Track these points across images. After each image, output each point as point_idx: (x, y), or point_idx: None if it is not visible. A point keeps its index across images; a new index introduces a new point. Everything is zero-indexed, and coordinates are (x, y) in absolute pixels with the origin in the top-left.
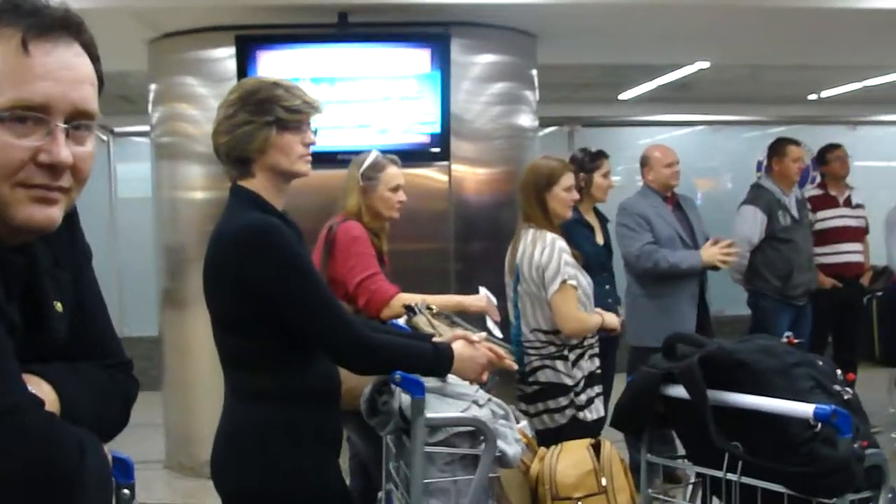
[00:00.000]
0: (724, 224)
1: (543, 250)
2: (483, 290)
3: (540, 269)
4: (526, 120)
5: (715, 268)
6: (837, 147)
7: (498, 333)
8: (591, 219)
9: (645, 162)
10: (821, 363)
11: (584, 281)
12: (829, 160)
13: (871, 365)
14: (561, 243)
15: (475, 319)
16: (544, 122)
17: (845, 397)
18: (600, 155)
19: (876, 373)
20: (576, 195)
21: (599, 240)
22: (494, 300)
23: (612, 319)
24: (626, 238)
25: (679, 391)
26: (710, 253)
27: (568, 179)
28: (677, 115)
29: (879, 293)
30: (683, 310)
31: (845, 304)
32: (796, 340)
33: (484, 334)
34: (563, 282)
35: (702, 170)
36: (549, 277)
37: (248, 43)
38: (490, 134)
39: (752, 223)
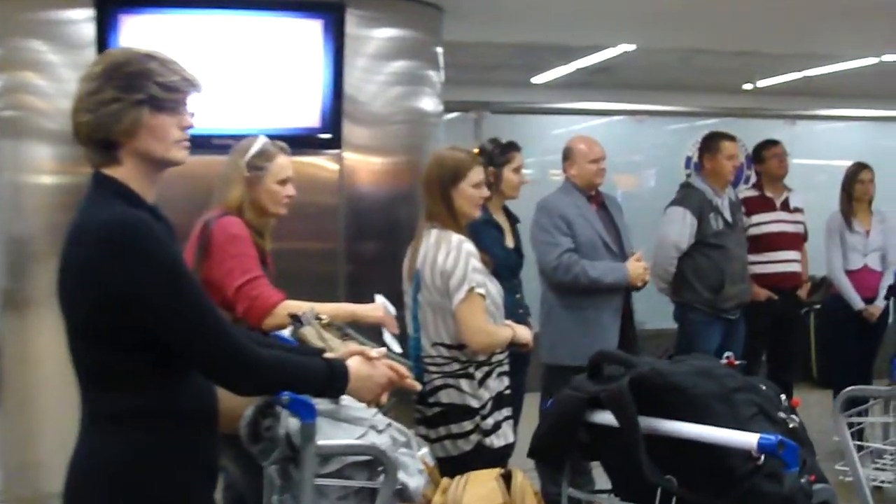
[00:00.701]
0: (647, 227)
1: (448, 254)
2: (379, 299)
3: (444, 276)
4: (429, 103)
5: (636, 288)
6: (775, 144)
7: (396, 348)
8: (501, 218)
9: (568, 155)
10: (764, 387)
11: (494, 289)
12: (766, 158)
13: (809, 386)
14: (468, 246)
15: (370, 332)
16: (449, 107)
17: (790, 426)
18: (511, 146)
19: (813, 395)
20: (485, 192)
21: (509, 242)
22: (392, 310)
23: (523, 333)
24: (543, 244)
25: (606, 418)
26: (636, 268)
27: (477, 174)
28: (597, 103)
29: (817, 306)
30: (605, 323)
31: (781, 319)
32: (737, 362)
33: (383, 350)
34: (470, 290)
35: (623, 165)
36: (454, 285)
37: (110, 4)
38: (388, 118)
39: (681, 226)
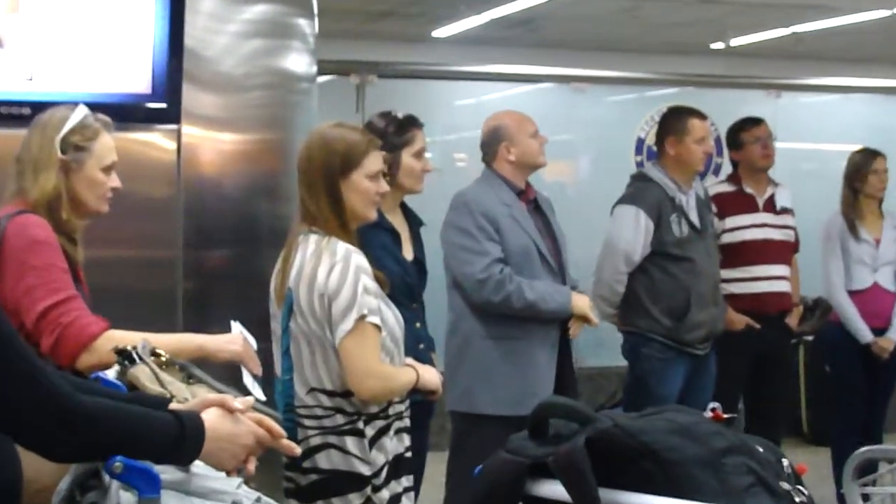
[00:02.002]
0: (583, 233)
1: (332, 269)
2: (236, 327)
3: (325, 298)
4: (298, 62)
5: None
6: (757, 123)
7: (259, 394)
8: (397, 220)
9: (495, 136)
10: (761, 449)
11: (392, 318)
12: (746, 143)
13: (798, 442)
14: (359, 259)
15: (225, 372)
16: (324, 68)
17: (797, 500)
18: (411, 123)
19: (803, 454)
20: (384, 185)
21: (408, 253)
22: (254, 342)
23: (430, 376)
24: (464, 251)
25: (555, 490)
26: (584, 301)
27: (375, 162)
28: (518, 66)
29: (811, 337)
30: (540, 361)
31: (764, 355)
32: (726, 416)
33: (250, 399)
34: (361, 318)
35: (552, 148)
36: (339, 311)
37: None
38: (242, 82)
39: (633, 232)
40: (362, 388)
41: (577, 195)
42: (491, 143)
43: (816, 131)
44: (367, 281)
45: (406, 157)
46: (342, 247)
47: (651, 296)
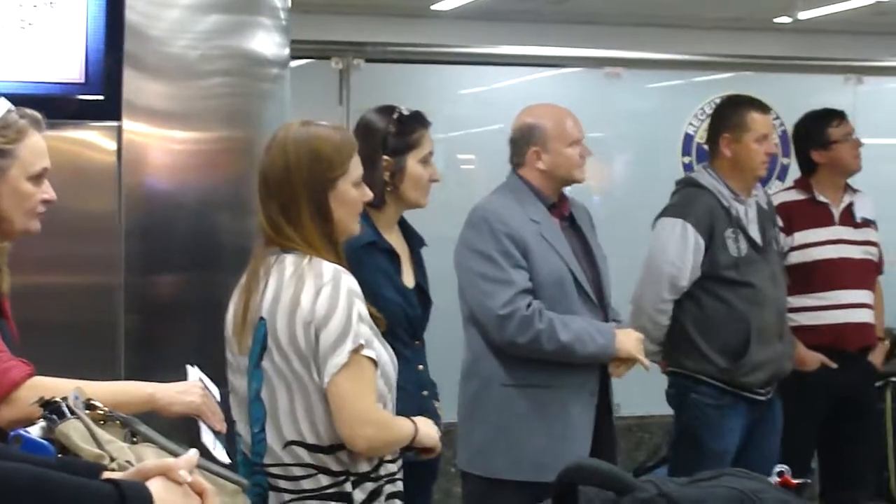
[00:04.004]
0: (621, 253)
1: (319, 292)
2: (194, 373)
3: (312, 328)
4: (267, 43)
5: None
6: (841, 117)
7: (223, 457)
8: (395, 239)
9: (529, 136)
10: None
11: (386, 355)
12: (836, 139)
13: None
14: (351, 281)
15: (180, 428)
16: (299, 51)
17: None
18: (418, 122)
19: None
20: (368, 193)
21: (409, 279)
22: (216, 392)
23: (429, 430)
24: (483, 280)
25: None
26: (628, 340)
27: (358, 165)
28: (536, 46)
29: None
30: (574, 416)
31: (843, 401)
32: (797, 481)
33: (192, 456)
34: (357, 350)
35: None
36: (331, 342)
37: None
38: (198, 67)
39: (680, 251)
40: (357, 437)
41: (610, 205)
42: (520, 144)
43: None
44: (361, 307)
45: (411, 164)
46: (329, 267)
47: (702, 329)
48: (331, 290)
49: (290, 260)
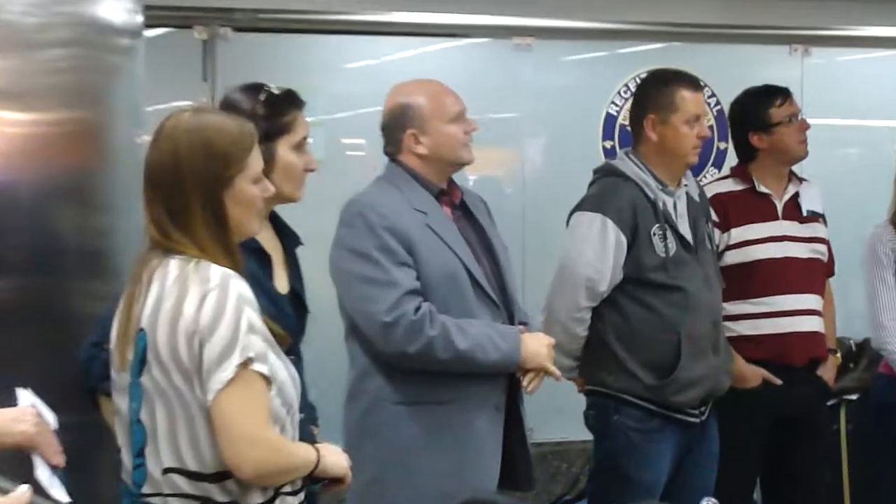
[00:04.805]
0: (537, 248)
1: (204, 299)
2: (27, 398)
3: (196, 339)
4: (115, 10)
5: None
6: (785, 95)
7: (62, 496)
8: (266, 238)
9: (403, 118)
10: None
11: (285, 373)
12: (778, 122)
13: None
14: (241, 287)
15: (12, 461)
16: (155, 18)
17: None
18: (290, 103)
19: None
20: (270, 188)
21: (282, 284)
22: (53, 420)
23: (336, 459)
24: (363, 283)
25: None
26: (535, 344)
27: (258, 159)
28: (435, 14)
29: (853, 396)
30: (478, 433)
31: (789, 422)
32: None
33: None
34: (245, 364)
35: (485, 131)
36: (216, 355)
37: None
38: (33, 37)
39: (598, 249)
40: (244, 461)
41: (521, 197)
42: (393, 129)
43: (860, 103)
44: (253, 316)
45: (283, 151)
46: (217, 270)
47: (625, 341)
48: (217, 296)
49: (174, 264)
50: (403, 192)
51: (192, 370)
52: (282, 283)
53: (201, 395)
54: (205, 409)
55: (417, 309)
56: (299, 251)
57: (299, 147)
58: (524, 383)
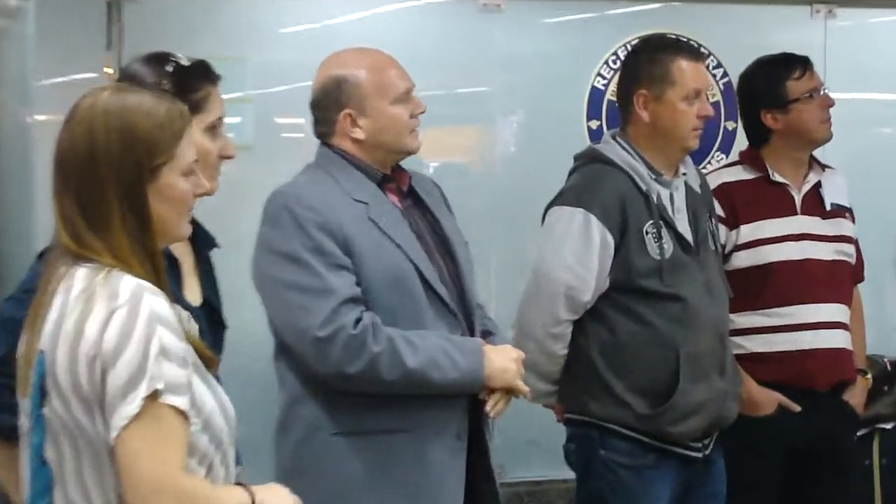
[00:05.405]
0: (509, 247)
1: (110, 318)
2: None
3: (98, 364)
4: None
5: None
6: (805, 66)
7: None
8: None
9: (336, 95)
10: None
11: (213, 402)
12: (796, 97)
13: None
14: (156, 303)
15: None
16: None
17: None
18: (202, 76)
19: None
20: (205, 184)
21: (193, 294)
22: None
23: (279, 500)
24: (290, 291)
25: None
26: (505, 358)
27: (189, 148)
28: None
29: (888, 424)
30: (436, 467)
31: (809, 456)
32: None
33: None
34: (152, 396)
35: (448, 109)
36: (120, 385)
37: None
38: None
39: (580, 251)
40: None
41: (491, 187)
42: (326, 108)
43: (894, 74)
44: (168, 337)
45: (195, 135)
46: (129, 283)
47: (612, 361)
48: (126, 314)
49: (81, 274)
50: (338, 181)
51: (94, 401)
52: (193, 294)
53: (104, 431)
54: (109, 445)
55: (358, 321)
56: (215, 255)
57: (213, 129)
58: (488, 406)
